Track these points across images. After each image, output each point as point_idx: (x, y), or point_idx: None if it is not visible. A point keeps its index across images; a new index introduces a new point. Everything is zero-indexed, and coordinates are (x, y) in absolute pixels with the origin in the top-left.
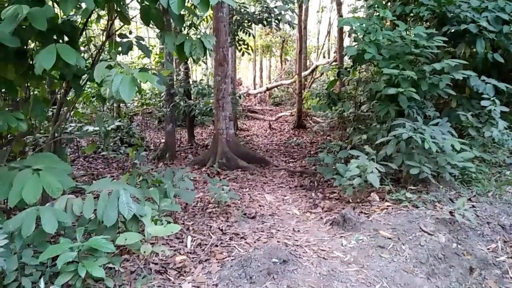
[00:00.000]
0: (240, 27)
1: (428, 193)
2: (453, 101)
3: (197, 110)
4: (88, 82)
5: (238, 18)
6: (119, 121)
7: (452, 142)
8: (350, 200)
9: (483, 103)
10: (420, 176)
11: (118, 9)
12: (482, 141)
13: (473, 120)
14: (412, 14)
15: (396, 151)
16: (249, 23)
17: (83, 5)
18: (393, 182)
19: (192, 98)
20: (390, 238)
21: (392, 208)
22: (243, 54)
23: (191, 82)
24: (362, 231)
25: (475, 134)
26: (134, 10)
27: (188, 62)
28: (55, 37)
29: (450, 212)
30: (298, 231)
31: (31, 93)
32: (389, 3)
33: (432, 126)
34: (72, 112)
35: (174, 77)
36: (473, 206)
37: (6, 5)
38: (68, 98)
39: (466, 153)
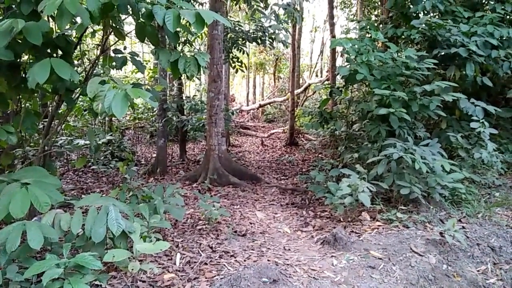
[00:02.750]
0: (235, 45)
1: (418, 213)
2: (443, 122)
3: (189, 126)
4: (80, 96)
5: (233, 36)
6: (111, 135)
7: (442, 163)
8: (341, 219)
9: (472, 125)
10: (410, 196)
11: (113, 25)
12: (471, 163)
13: (462, 141)
14: (403, 37)
15: (387, 171)
16: (243, 41)
17: (78, 20)
18: (384, 201)
19: (185, 113)
20: (380, 259)
21: (383, 228)
22: (236, 71)
23: (184, 98)
24: (353, 250)
25: (464, 155)
26: (129, 25)
27: (182, 77)
28: (49, 51)
29: (440, 233)
30: (289, 249)
31: (22, 106)
32: (381, 25)
33: (423, 146)
34: (63, 125)
35: (168, 92)
36: (463, 227)
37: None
38: (60, 111)
39: (456, 174)
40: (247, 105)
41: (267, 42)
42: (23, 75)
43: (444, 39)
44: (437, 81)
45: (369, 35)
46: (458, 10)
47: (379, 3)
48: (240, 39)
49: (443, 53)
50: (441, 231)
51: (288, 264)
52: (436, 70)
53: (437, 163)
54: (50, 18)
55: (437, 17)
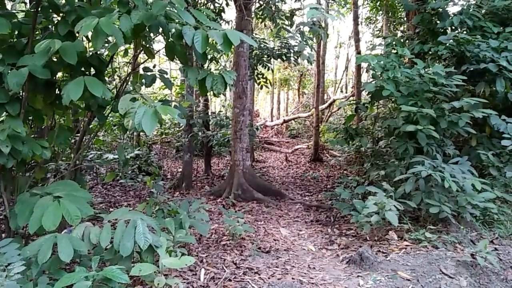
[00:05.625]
0: (260, 62)
1: (448, 234)
2: (473, 139)
3: (214, 141)
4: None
5: (258, 52)
6: (138, 149)
7: (472, 182)
8: (368, 238)
9: (504, 142)
10: (440, 216)
11: (144, 44)
12: (503, 182)
13: (494, 159)
14: (430, 53)
15: (415, 189)
16: (268, 58)
17: (110, 39)
18: (412, 220)
19: (210, 128)
20: (409, 280)
21: (411, 248)
22: (261, 87)
23: (210, 113)
24: (379, 271)
25: (496, 174)
26: (157, 43)
27: (208, 94)
28: (83, 69)
29: (472, 255)
30: (314, 268)
31: (56, 121)
32: (407, 41)
33: (452, 164)
34: (93, 140)
35: (194, 108)
36: (496, 249)
37: (37, 37)
38: (90, 127)
39: (487, 193)
40: (271, 120)
41: (292, 59)
42: (58, 92)
43: (473, 54)
44: (466, 98)
45: (395, 51)
46: (487, 25)
47: (405, 19)
48: (265, 56)
49: (472, 69)
50: (472, 252)
51: (313, 283)
52: (465, 86)
53: (468, 182)
54: (83, 37)
55: (465, 32)
